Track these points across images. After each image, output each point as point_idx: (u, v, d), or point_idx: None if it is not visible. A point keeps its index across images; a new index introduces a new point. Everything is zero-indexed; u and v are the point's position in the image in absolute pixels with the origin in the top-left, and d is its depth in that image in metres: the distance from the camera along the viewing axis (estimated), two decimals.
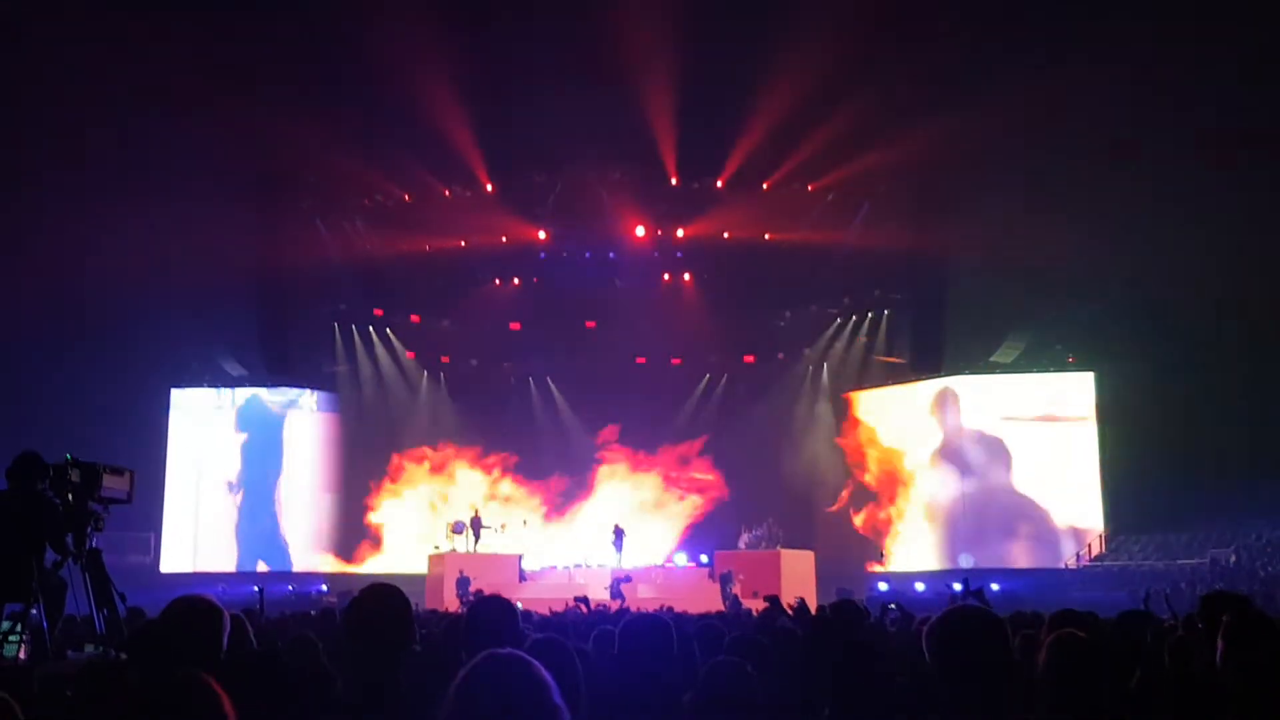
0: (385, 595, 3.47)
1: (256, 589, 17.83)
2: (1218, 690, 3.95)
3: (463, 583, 27.30)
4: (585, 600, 14.77)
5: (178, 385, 35.50)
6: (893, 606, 10.56)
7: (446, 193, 33.64)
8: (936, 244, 31.82)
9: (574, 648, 4.24)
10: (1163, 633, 6.69)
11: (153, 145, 27.76)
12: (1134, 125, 27.12)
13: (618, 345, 36.93)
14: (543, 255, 36.29)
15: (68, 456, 7.74)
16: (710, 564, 31.55)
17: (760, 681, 3.91)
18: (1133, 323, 29.58)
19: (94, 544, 7.78)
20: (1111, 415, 32.01)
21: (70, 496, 7.71)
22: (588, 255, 36.12)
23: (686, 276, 37.00)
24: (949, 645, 3.04)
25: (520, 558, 31.72)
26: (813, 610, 10.86)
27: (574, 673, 3.85)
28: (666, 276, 36.86)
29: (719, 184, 33.58)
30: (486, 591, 20.88)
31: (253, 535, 35.06)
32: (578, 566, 31.90)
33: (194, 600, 3.70)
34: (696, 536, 35.16)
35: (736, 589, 26.23)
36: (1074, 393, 33.18)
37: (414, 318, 37.60)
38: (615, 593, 27.19)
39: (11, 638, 7.26)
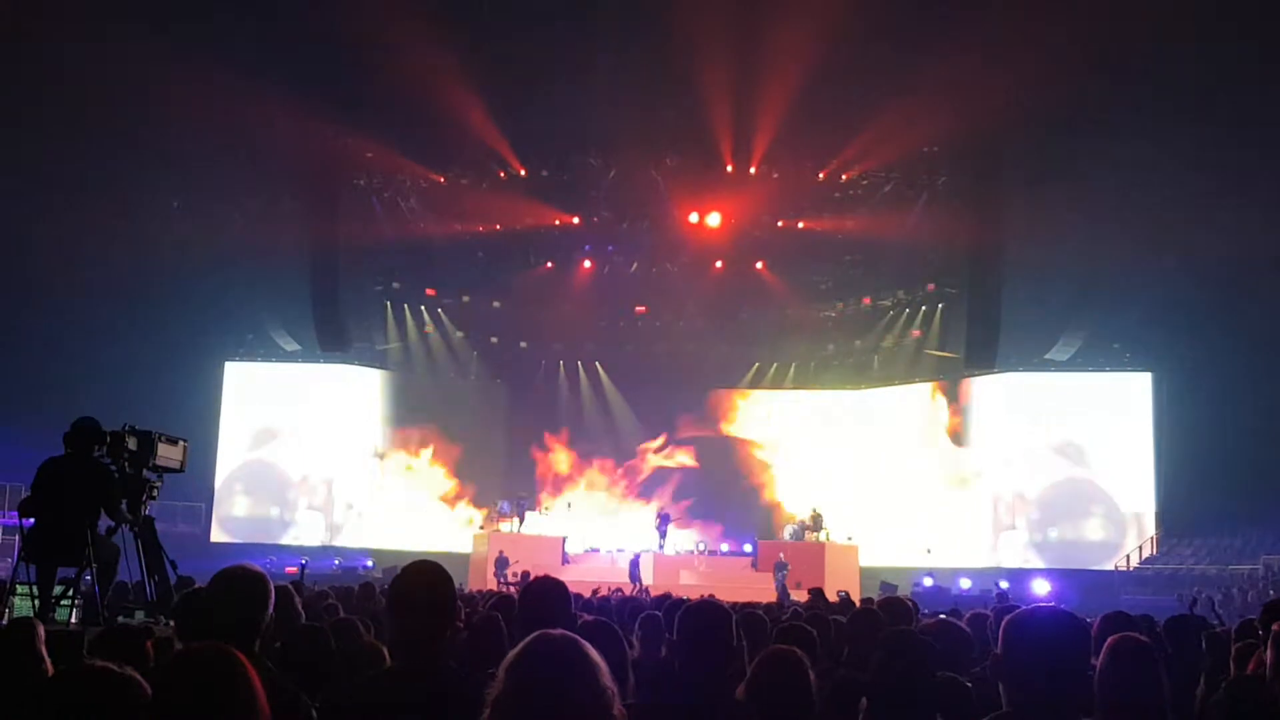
0: (427, 571, 3.46)
1: (302, 562, 18.09)
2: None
3: (501, 563, 27.43)
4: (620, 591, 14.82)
5: (232, 359, 35.97)
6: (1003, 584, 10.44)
7: (501, 174, 33.68)
8: (993, 238, 31.41)
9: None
10: (1216, 639, 6.55)
11: (212, 123, 28.00)
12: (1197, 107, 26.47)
13: (667, 331, 36.89)
14: (594, 240, 36.23)
15: (125, 425, 7.84)
16: (754, 553, 31.54)
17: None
18: (1191, 323, 29.06)
19: (148, 512, 7.88)
20: (1167, 416, 31.55)
21: (126, 464, 7.81)
22: (639, 241, 36.00)
23: (739, 265, 36.81)
24: (1032, 645, 2.99)
25: (564, 540, 31.84)
26: (856, 604, 10.78)
27: (621, 655, 3.83)
28: (719, 264, 36.69)
29: (774, 172, 33.30)
30: (528, 572, 21.00)
31: (302, 509, 35.45)
32: (620, 551, 31.97)
33: (242, 570, 3.71)
34: (738, 525, 35.16)
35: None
36: (1130, 392, 32.73)
37: (465, 298, 37.75)
38: (633, 576, 27.21)
39: (64, 602, 7.37)
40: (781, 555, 27.98)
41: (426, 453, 36.68)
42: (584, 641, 2.41)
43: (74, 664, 2.82)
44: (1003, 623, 3.12)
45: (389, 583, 3.72)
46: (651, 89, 29.51)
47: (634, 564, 28.14)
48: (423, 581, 3.42)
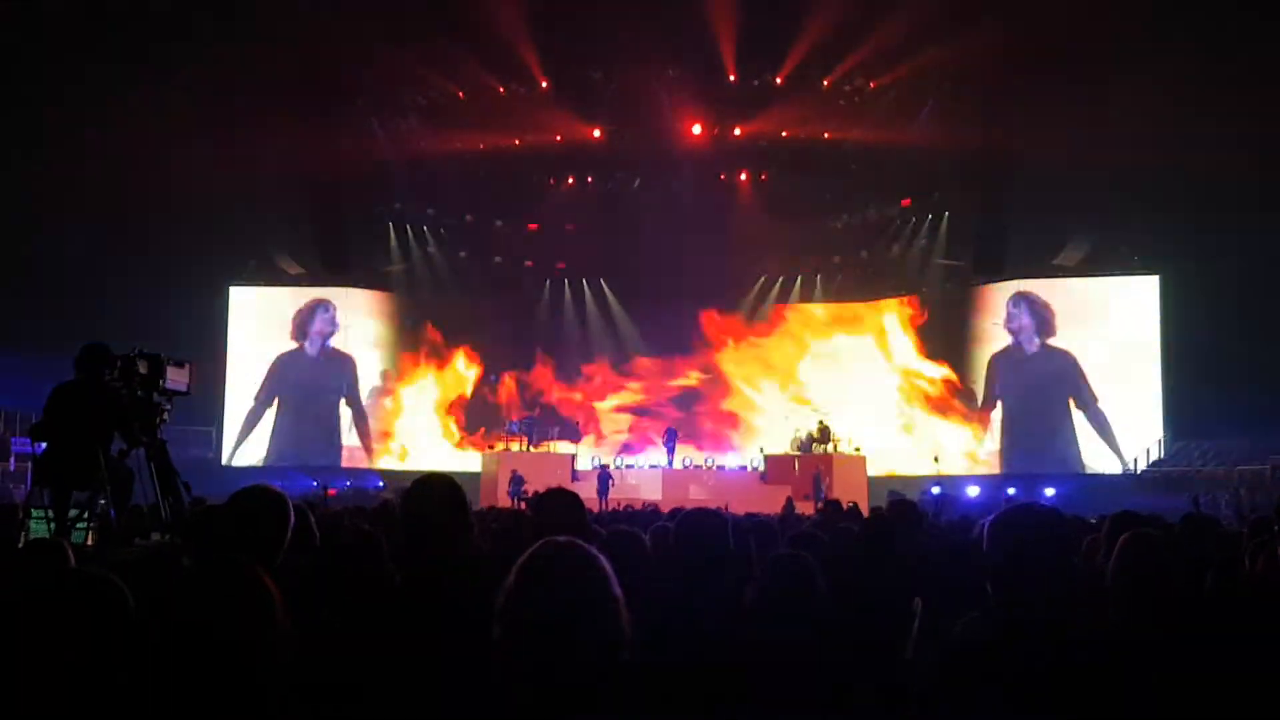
0: (438, 483, 3.48)
1: (316, 484, 18.28)
2: None
3: (516, 481, 27.64)
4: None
5: (236, 283, 35.94)
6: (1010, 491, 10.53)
7: (501, 90, 33.25)
8: (1000, 144, 31.06)
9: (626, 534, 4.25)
10: (1228, 537, 6.58)
11: (206, 45, 27.63)
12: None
13: (672, 247, 36.74)
14: (596, 155, 35.84)
15: (135, 348, 7.83)
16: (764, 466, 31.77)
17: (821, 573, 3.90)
18: (1199, 224, 28.79)
19: (161, 435, 7.90)
20: (1175, 318, 31.49)
21: (138, 388, 7.82)
22: (643, 155, 35.61)
23: (743, 176, 36.51)
24: (1011, 541, 2.99)
25: (574, 457, 32.05)
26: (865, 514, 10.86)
27: (644, 564, 3.88)
28: (722, 176, 36.38)
29: (778, 81, 32.83)
30: (539, 492, 21.03)
31: (311, 432, 35.69)
32: (629, 467, 32.22)
33: (261, 489, 3.72)
34: (748, 437, 35.41)
35: (790, 492, 26.35)
36: (1138, 295, 32.64)
37: (468, 217, 37.54)
38: (601, 490, 27.28)
39: (79, 524, 7.43)
40: (820, 468, 28.45)
41: (431, 370, 36.84)
42: (591, 549, 2.44)
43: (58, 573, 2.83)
44: (987, 522, 3.13)
45: (399, 501, 3.74)
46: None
47: (602, 478, 28.17)
48: (435, 494, 3.44)
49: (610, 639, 2.33)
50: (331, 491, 21.35)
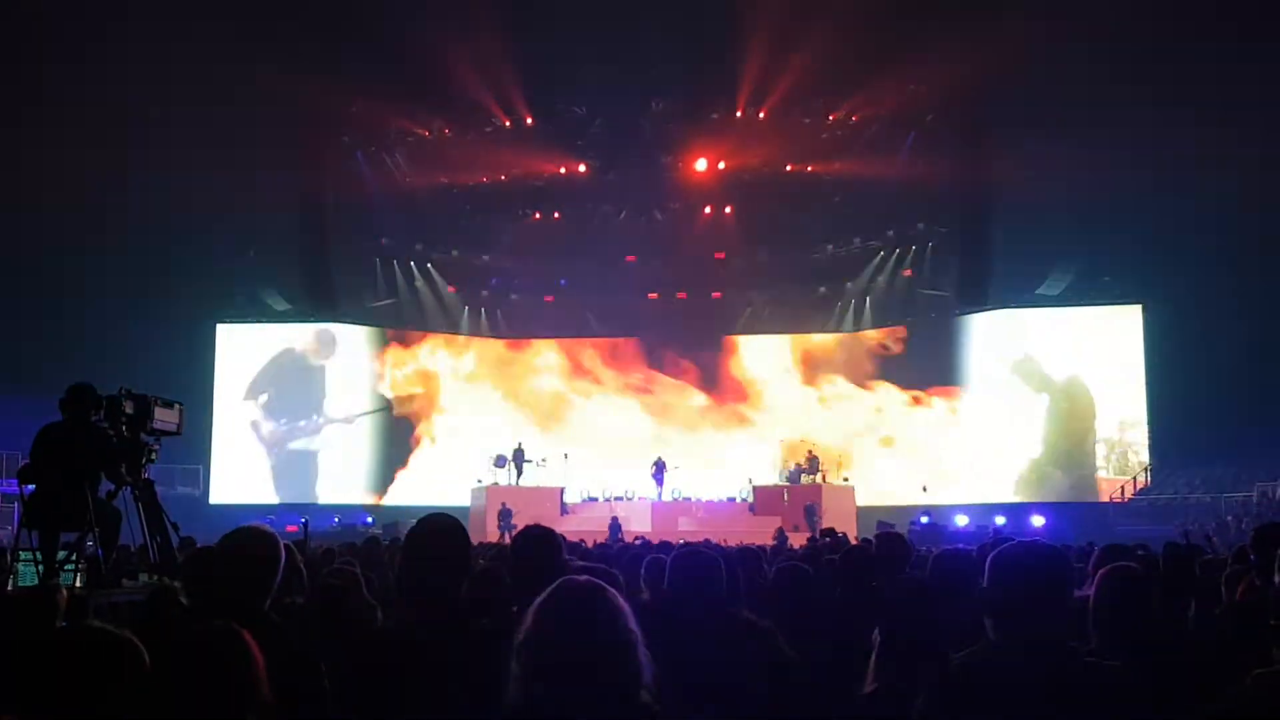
0: (445, 524, 3.51)
1: (303, 520, 18.12)
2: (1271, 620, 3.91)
3: (505, 515, 27.56)
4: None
5: (223, 320, 35.88)
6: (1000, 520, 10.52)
7: (487, 128, 33.45)
8: (982, 175, 31.33)
9: (623, 578, 4.29)
10: (1211, 565, 6.63)
11: (195, 84, 27.75)
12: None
13: (659, 279, 36.84)
14: (583, 188, 35.99)
15: (121, 389, 7.84)
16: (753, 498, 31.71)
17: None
18: (1181, 253, 29.02)
19: (147, 475, 7.90)
20: (1159, 348, 31.66)
21: (124, 428, 7.82)
22: (628, 188, 35.76)
23: (728, 209, 36.67)
24: (1013, 580, 3.03)
25: (562, 491, 31.97)
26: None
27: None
28: (708, 209, 36.56)
29: (761, 114, 33.09)
30: (527, 524, 20.93)
31: (298, 468, 35.56)
32: (619, 499, 32.14)
33: (252, 530, 3.74)
34: (735, 470, 35.34)
35: (780, 522, 26.34)
36: (1122, 325, 32.81)
37: (454, 251, 37.61)
38: (613, 536, 26.90)
39: (68, 566, 7.41)
40: (813, 500, 28.60)
41: (421, 413, 36.77)
42: (608, 588, 2.48)
43: (74, 624, 2.87)
44: (988, 558, 3.17)
45: (387, 538, 3.76)
46: (641, 33, 29.28)
47: (613, 527, 28.07)
48: (441, 534, 3.46)
49: (629, 679, 2.37)
50: (291, 528, 21.19)
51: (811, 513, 27.80)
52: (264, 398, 35.79)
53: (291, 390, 36.00)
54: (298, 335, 36.18)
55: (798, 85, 31.40)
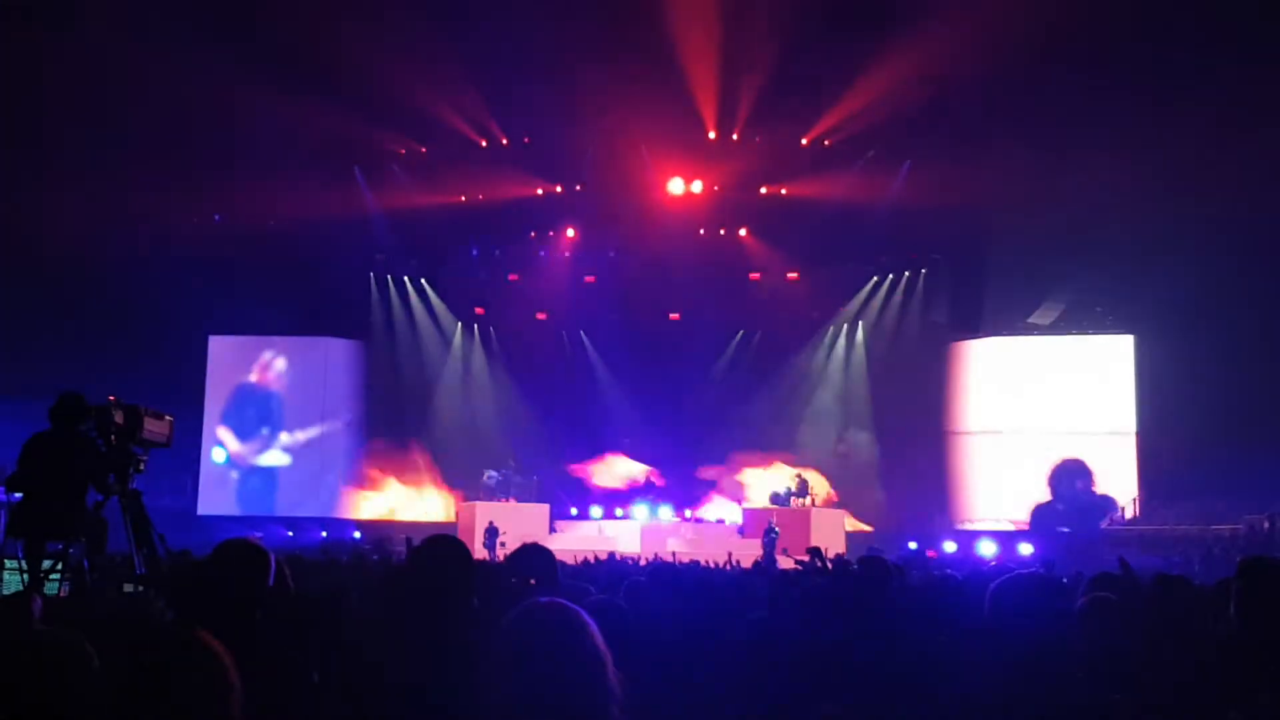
0: (449, 545, 3.51)
1: (289, 534, 18.11)
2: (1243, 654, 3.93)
3: (490, 532, 27.48)
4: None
5: (215, 333, 35.82)
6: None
7: (483, 144, 33.54)
8: (977, 203, 31.38)
9: (605, 601, 4.29)
10: (1198, 596, 6.63)
11: (190, 103, 27.84)
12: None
13: (652, 301, 36.81)
14: (574, 209, 36.00)
15: (111, 398, 7.84)
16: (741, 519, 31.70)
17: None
18: (1173, 285, 29.11)
19: (134, 485, 7.89)
20: (1149, 379, 31.73)
21: (113, 438, 7.81)
22: (619, 210, 35.76)
23: (721, 232, 36.69)
24: (1016, 612, 3.05)
25: (550, 508, 31.92)
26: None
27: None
28: (701, 232, 36.60)
29: (756, 139, 33.19)
30: (515, 541, 20.91)
31: (288, 481, 35.47)
32: (607, 518, 32.12)
33: (242, 543, 3.75)
34: (725, 490, 35.32)
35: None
36: (1113, 355, 32.90)
37: (449, 270, 37.61)
38: (488, 543, 26.73)
39: (53, 576, 7.39)
40: (772, 520, 28.03)
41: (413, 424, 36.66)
42: (578, 609, 2.48)
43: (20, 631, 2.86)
44: (990, 588, 3.19)
45: (379, 552, 3.76)
46: (631, 54, 29.37)
47: (490, 532, 27.68)
48: (446, 555, 3.47)
49: (599, 698, 2.37)
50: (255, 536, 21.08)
51: (770, 534, 26.91)
52: (247, 411, 35.75)
53: (276, 405, 35.94)
54: (289, 348, 36.14)
55: (790, 109, 31.55)
